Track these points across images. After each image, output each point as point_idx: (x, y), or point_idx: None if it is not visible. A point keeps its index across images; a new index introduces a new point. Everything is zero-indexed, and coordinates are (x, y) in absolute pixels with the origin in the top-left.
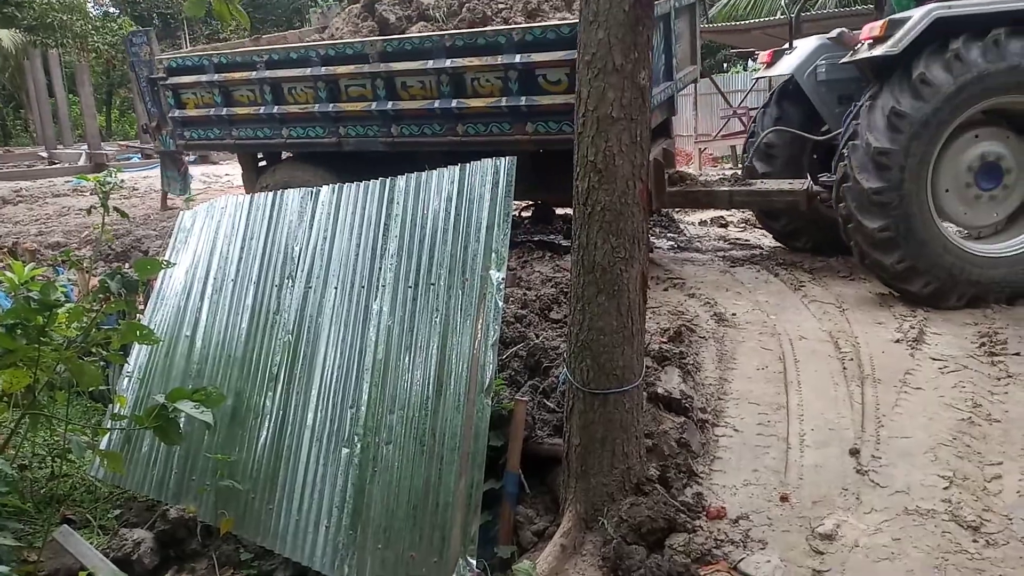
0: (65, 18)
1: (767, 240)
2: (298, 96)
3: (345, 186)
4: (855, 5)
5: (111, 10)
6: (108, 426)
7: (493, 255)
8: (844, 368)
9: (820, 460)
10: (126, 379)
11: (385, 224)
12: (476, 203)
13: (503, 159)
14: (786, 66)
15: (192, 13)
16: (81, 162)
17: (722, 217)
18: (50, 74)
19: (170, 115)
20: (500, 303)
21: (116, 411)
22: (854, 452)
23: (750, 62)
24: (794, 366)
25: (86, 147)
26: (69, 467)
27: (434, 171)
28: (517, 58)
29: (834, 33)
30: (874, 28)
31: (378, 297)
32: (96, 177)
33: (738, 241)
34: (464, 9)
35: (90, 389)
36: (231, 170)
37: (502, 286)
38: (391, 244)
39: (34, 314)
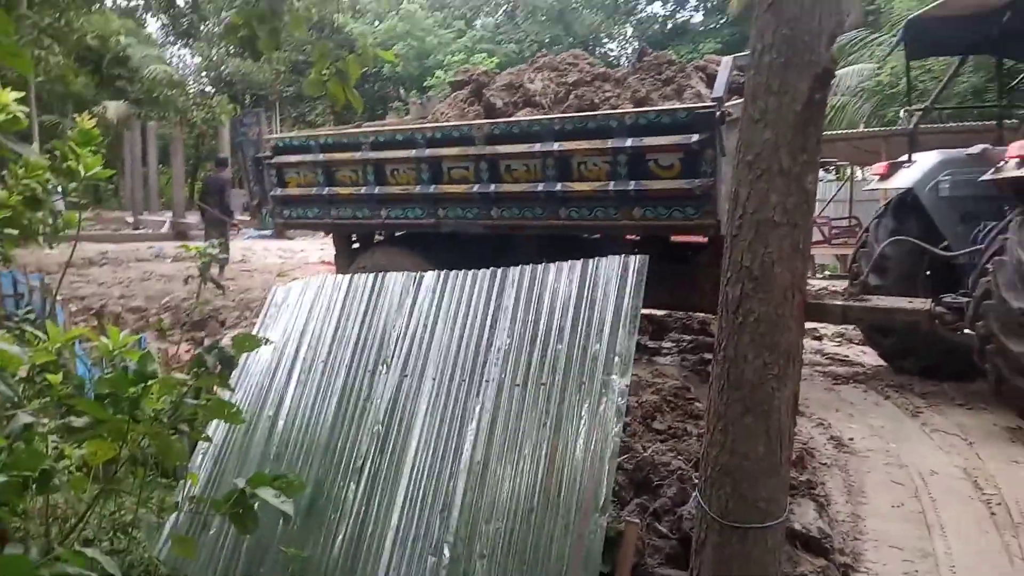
0: (170, 93)
1: (867, 357)
2: (400, 178)
3: (451, 273)
4: (967, 120)
5: (207, 88)
6: (179, 505)
7: (617, 359)
8: (992, 513)
9: None
10: (200, 456)
11: (494, 317)
12: (600, 301)
13: (634, 257)
14: (905, 179)
15: (311, 92)
16: (164, 229)
17: (816, 329)
18: (146, 145)
19: (272, 193)
20: (623, 413)
21: (188, 490)
22: None
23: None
24: (932, 506)
25: (171, 215)
26: (131, 543)
27: (552, 264)
28: (628, 142)
29: (976, 149)
30: (1022, 147)
31: (480, 393)
32: (198, 247)
33: (836, 356)
34: (571, 96)
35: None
36: (307, 245)
37: (625, 394)
38: (499, 338)
39: (129, 385)
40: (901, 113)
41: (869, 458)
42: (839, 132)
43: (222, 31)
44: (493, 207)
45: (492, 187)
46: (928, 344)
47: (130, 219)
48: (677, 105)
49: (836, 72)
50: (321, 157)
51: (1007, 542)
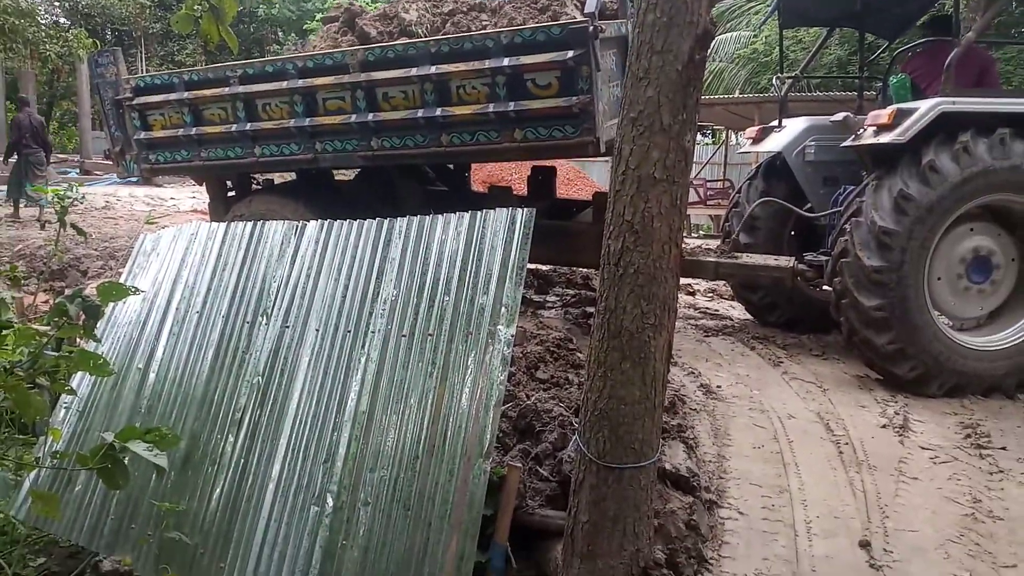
0: (17, 23)
1: (735, 312)
2: (272, 112)
3: (336, 223)
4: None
5: (62, 20)
6: (40, 461)
7: (503, 310)
8: (840, 452)
9: (830, 551)
10: (63, 410)
11: (380, 267)
12: (488, 253)
13: (521, 210)
14: (775, 143)
15: (180, 30)
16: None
17: (689, 285)
18: None
19: (135, 138)
20: (508, 362)
21: (49, 446)
22: (864, 544)
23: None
24: (789, 447)
25: None
26: None
27: (440, 216)
28: (505, 61)
29: (839, 116)
30: (880, 116)
31: (366, 344)
32: (56, 190)
33: (708, 311)
34: (448, 25)
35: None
36: (176, 193)
37: (511, 344)
38: (385, 289)
39: None
40: (774, 80)
41: (734, 404)
42: (716, 97)
43: None
44: (373, 137)
45: (370, 116)
46: (791, 300)
47: None
48: (551, 23)
49: (715, 37)
50: (187, 95)
51: (851, 478)
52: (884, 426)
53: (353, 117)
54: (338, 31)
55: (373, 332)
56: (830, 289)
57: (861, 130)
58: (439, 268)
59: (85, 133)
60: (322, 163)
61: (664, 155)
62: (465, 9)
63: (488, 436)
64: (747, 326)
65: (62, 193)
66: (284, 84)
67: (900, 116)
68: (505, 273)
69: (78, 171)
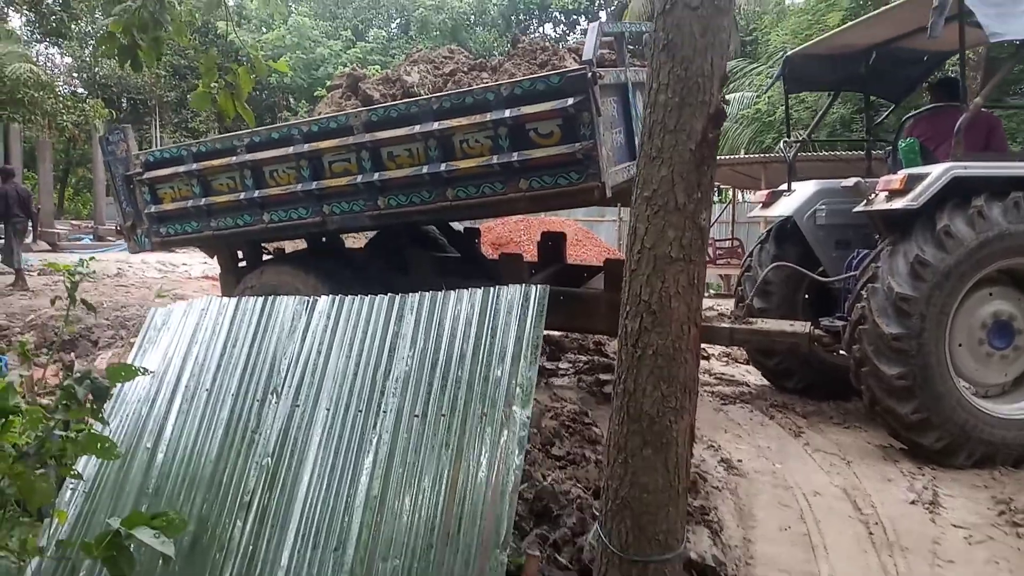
0: (36, 95)
1: (752, 376)
2: (280, 178)
3: (347, 298)
4: (838, 148)
5: (79, 90)
6: (44, 549)
7: (518, 390)
8: (870, 533)
9: None
10: (69, 491)
11: (392, 344)
12: (502, 331)
13: (535, 286)
14: (785, 208)
15: (198, 107)
16: (30, 239)
17: (704, 349)
18: (9, 148)
19: (145, 211)
20: (524, 444)
21: (55, 529)
22: None
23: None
24: (816, 527)
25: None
26: None
27: (452, 291)
28: (506, 113)
29: (851, 182)
30: (892, 182)
31: (378, 424)
32: (67, 265)
33: (723, 376)
34: (449, 84)
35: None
36: (188, 259)
37: (527, 426)
38: (397, 366)
39: None
40: (781, 144)
41: (757, 480)
42: (722, 157)
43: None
44: (379, 196)
45: (376, 176)
46: (808, 365)
47: None
48: (550, 72)
49: (727, 116)
50: (195, 167)
51: (883, 562)
52: (913, 502)
53: (359, 178)
54: (342, 96)
55: (385, 411)
56: (847, 355)
57: (873, 195)
58: (452, 345)
59: (99, 199)
60: (330, 225)
61: (680, 234)
62: (465, 69)
63: (505, 525)
64: (764, 392)
65: (73, 268)
66: (290, 150)
67: (912, 181)
68: (520, 351)
69: (92, 237)
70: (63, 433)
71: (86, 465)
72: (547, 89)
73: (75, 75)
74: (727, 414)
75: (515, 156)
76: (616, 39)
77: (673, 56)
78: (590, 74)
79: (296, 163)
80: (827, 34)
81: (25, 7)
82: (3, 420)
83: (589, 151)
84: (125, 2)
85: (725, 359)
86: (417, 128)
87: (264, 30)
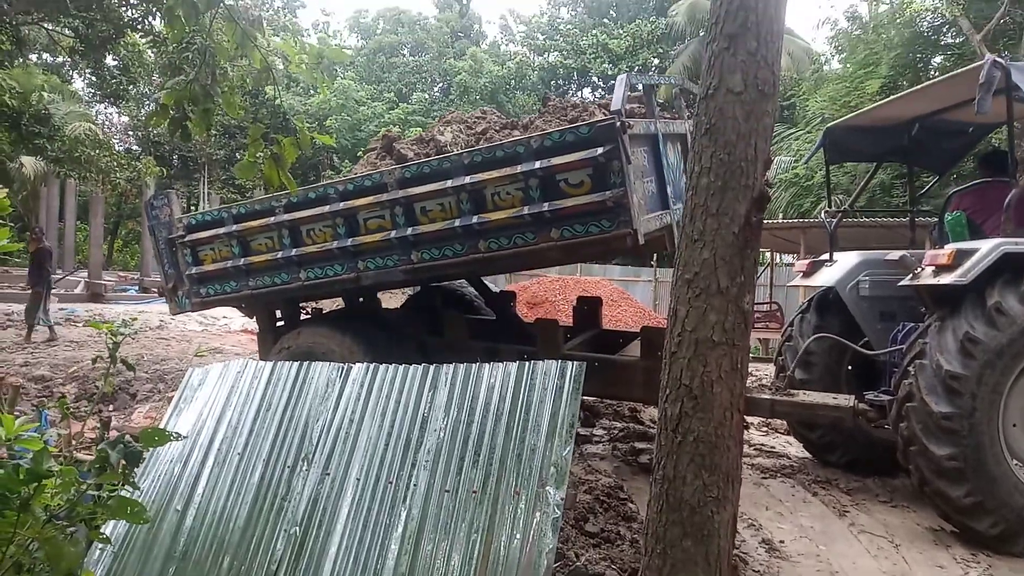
0: (93, 153)
1: (792, 448)
2: (316, 236)
3: (382, 367)
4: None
5: (134, 147)
6: None
7: (553, 469)
8: None
9: None
10: (97, 551)
11: (425, 414)
12: (536, 406)
13: (571, 363)
14: (827, 278)
15: (243, 176)
16: (78, 290)
17: (743, 418)
18: (64, 201)
19: (187, 273)
20: (558, 526)
21: None
22: None
23: None
24: None
25: (86, 275)
26: None
27: (487, 363)
28: (537, 164)
29: (896, 255)
30: (939, 256)
31: (407, 499)
32: (109, 325)
33: (763, 448)
34: (481, 142)
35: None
36: (228, 312)
37: (560, 507)
38: (429, 438)
39: (21, 485)
40: (822, 214)
41: (800, 564)
42: None
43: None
44: (412, 251)
45: (409, 231)
46: (852, 439)
47: None
48: (579, 123)
49: (771, 199)
50: (234, 228)
51: None
52: None
53: (393, 233)
54: (377, 156)
55: (415, 485)
56: (894, 432)
57: (920, 269)
58: (485, 418)
59: (147, 253)
60: (364, 281)
61: (722, 318)
62: (497, 128)
63: None
64: (806, 466)
65: (115, 328)
66: (327, 208)
67: (961, 256)
68: (554, 428)
69: (137, 288)
70: (95, 493)
71: (115, 527)
72: (576, 140)
73: (129, 133)
74: (768, 489)
75: (546, 206)
76: (645, 91)
77: (716, 140)
78: (619, 123)
79: (332, 221)
80: (869, 107)
81: (87, 70)
82: (37, 485)
83: (620, 199)
84: (179, 76)
85: (764, 429)
86: (449, 183)
87: (312, 92)
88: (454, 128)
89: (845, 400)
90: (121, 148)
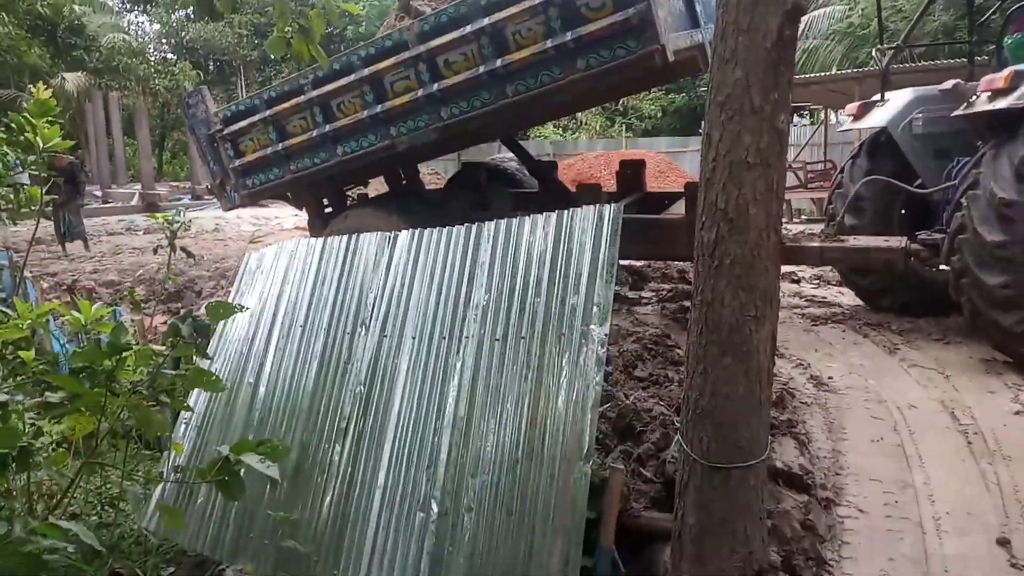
0: (130, 61)
1: (844, 298)
2: (347, 108)
3: (426, 231)
4: (939, 59)
5: (169, 55)
6: (164, 476)
7: (595, 309)
8: (969, 443)
9: (964, 550)
10: (183, 425)
11: (471, 272)
12: (577, 252)
13: (608, 206)
14: (879, 118)
15: (273, 52)
16: (134, 202)
17: (793, 272)
18: (109, 116)
19: (231, 167)
20: (603, 362)
21: (172, 460)
22: (1003, 542)
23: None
24: (911, 439)
25: (139, 187)
26: (119, 516)
27: (527, 217)
28: None
29: (948, 84)
30: (995, 80)
31: (461, 350)
32: (165, 216)
33: (815, 298)
34: None
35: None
36: (280, 212)
37: (605, 343)
38: (477, 294)
39: (103, 358)
40: (873, 52)
41: (848, 395)
42: (812, 75)
43: None
44: (441, 107)
45: (435, 86)
46: (904, 282)
47: (98, 192)
48: None
49: (806, 12)
50: (268, 113)
51: (983, 469)
52: (1018, 412)
53: (420, 92)
54: (396, 18)
55: (467, 337)
56: (948, 269)
57: (974, 97)
58: (528, 270)
59: (195, 162)
60: (399, 146)
61: (757, 139)
62: None
63: (587, 438)
64: (858, 312)
65: (172, 219)
66: (352, 77)
67: (1018, 78)
68: (595, 271)
69: (190, 196)
70: (172, 371)
71: (196, 401)
72: None
73: (163, 41)
74: (818, 334)
75: (569, 35)
76: None
77: None
78: None
79: (360, 90)
80: None
81: None
82: (118, 358)
83: (644, 14)
84: None
85: (816, 282)
86: (468, 28)
87: None
88: None
89: (897, 242)
90: (156, 56)
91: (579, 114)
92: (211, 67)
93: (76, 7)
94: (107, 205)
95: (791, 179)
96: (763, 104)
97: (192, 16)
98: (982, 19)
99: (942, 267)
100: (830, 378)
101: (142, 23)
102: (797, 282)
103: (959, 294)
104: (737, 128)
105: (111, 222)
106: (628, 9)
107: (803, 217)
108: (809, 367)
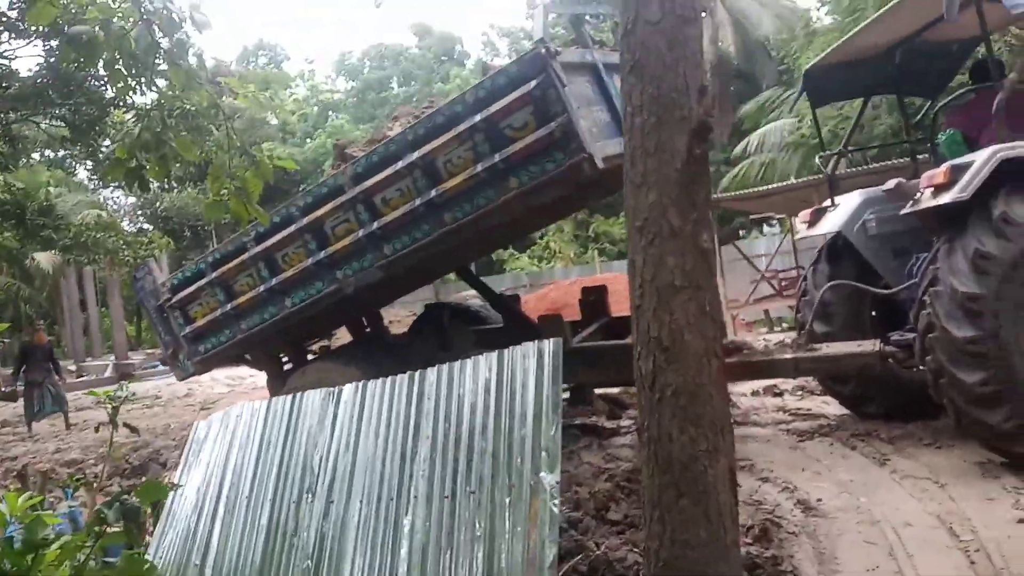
0: (99, 236)
1: (830, 408)
2: (292, 259)
3: (370, 383)
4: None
5: (145, 225)
6: None
7: (543, 454)
8: (972, 561)
9: None
10: None
11: (416, 423)
12: (520, 393)
13: (548, 341)
14: (832, 223)
15: (212, 218)
16: (108, 373)
17: (775, 385)
18: (83, 290)
19: (182, 335)
20: (556, 512)
21: None
22: None
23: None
24: (908, 563)
25: (113, 358)
26: None
27: (468, 359)
28: (478, 117)
29: (891, 184)
30: (935, 176)
31: (409, 511)
32: (107, 391)
33: (799, 411)
34: None
35: None
36: (253, 370)
37: (556, 492)
38: (422, 447)
39: (18, 558)
40: (816, 159)
41: (839, 519)
42: (772, 187)
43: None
44: (384, 244)
45: (375, 224)
46: (886, 386)
47: (72, 367)
48: (506, 64)
49: (712, 129)
50: (214, 275)
51: None
52: (1021, 520)
53: (361, 232)
54: (333, 167)
55: (416, 496)
56: (924, 368)
57: (918, 194)
58: (473, 416)
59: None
60: (347, 289)
61: (681, 261)
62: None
63: None
64: (845, 422)
65: (112, 394)
66: (293, 228)
67: (957, 172)
68: (539, 411)
69: (161, 363)
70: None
71: None
72: (508, 80)
73: (138, 212)
74: (805, 451)
75: (497, 157)
76: (572, 22)
77: (642, 76)
78: (543, 50)
79: (302, 239)
80: (842, 40)
81: (86, 159)
82: (34, 555)
83: (566, 125)
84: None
85: (799, 393)
86: (400, 164)
87: (308, 141)
88: (403, 122)
89: (870, 345)
90: (132, 228)
91: (552, 244)
92: (187, 233)
93: (52, 189)
94: (80, 379)
95: (767, 289)
96: (682, 225)
97: (165, 187)
98: (918, 118)
99: (920, 368)
100: (819, 500)
101: (118, 198)
102: (780, 395)
103: (940, 395)
104: (659, 252)
105: (83, 396)
106: (550, 124)
107: (784, 325)
108: (796, 490)
